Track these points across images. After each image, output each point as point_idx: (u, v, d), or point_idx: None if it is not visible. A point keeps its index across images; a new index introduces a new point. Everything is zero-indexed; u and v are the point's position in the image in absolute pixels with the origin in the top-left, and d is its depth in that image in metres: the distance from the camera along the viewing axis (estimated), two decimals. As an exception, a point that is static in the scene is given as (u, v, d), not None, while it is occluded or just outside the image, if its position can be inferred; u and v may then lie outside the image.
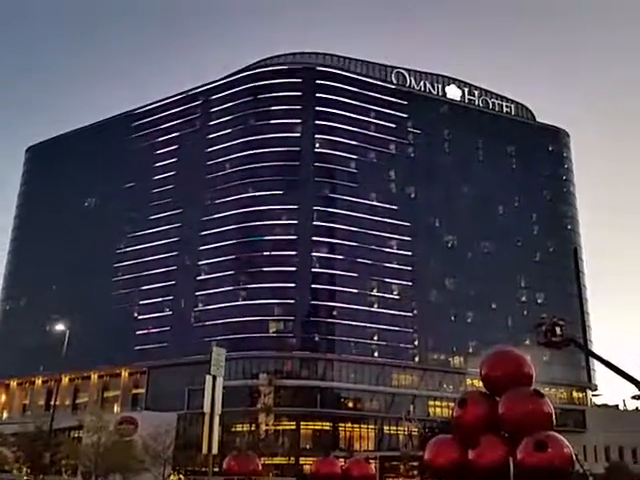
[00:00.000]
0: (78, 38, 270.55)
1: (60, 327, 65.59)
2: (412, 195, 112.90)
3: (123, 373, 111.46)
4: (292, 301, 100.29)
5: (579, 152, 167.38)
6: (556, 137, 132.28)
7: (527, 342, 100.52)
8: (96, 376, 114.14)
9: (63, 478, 73.76)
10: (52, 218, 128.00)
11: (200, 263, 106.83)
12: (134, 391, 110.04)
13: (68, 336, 51.56)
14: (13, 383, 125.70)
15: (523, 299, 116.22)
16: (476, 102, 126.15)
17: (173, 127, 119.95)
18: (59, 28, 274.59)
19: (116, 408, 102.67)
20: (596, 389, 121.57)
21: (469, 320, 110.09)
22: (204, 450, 20.06)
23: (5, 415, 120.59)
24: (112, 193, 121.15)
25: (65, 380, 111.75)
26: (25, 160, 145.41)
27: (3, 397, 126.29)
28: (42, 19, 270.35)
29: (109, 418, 62.24)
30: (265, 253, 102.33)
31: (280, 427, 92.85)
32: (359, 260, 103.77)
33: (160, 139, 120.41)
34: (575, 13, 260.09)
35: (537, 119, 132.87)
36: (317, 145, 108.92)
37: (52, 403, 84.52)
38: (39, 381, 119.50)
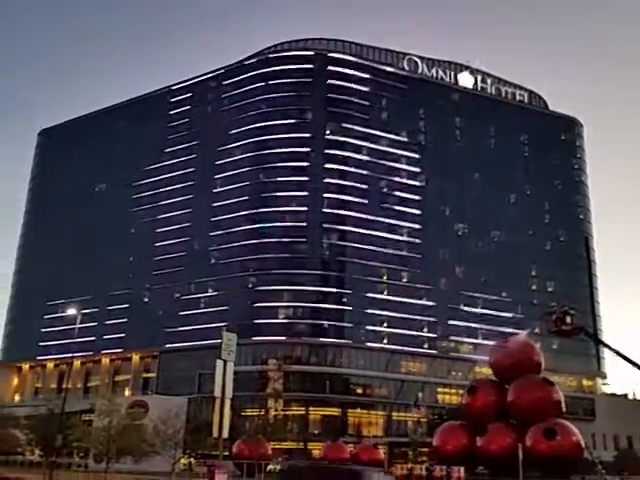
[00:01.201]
0: (89, 23, 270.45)
1: (72, 311, 66.17)
2: (423, 183, 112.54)
3: (134, 357, 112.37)
4: (302, 287, 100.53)
5: (592, 141, 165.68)
6: (569, 126, 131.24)
7: (537, 330, 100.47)
8: (107, 360, 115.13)
9: (75, 460, 74.65)
10: (64, 202, 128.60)
11: (210, 249, 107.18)
12: (145, 375, 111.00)
13: (80, 320, 51.88)
14: (25, 366, 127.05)
15: (534, 287, 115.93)
16: (489, 90, 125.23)
17: (185, 112, 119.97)
18: (72, 11, 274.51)
19: (127, 392, 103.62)
20: (605, 378, 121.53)
21: (479, 308, 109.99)
22: (215, 434, 20.19)
23: (17, 398, 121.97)
24: (123, 178, 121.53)
25: (77, 364, 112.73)
26: (37, 143, 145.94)
27: (15, 380, 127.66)
28: (56, 2, 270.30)
29: (120, 401, 62.55)
30: (275, 239, 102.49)
31: (289, 412, 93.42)
32: (369, 247, 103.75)
33: (172, 124, 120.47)
34: (590, 3, 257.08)
35: (550, 108, 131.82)
36: (327, 132, 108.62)
37: (64, 386, 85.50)
38: (51, 365, 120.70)
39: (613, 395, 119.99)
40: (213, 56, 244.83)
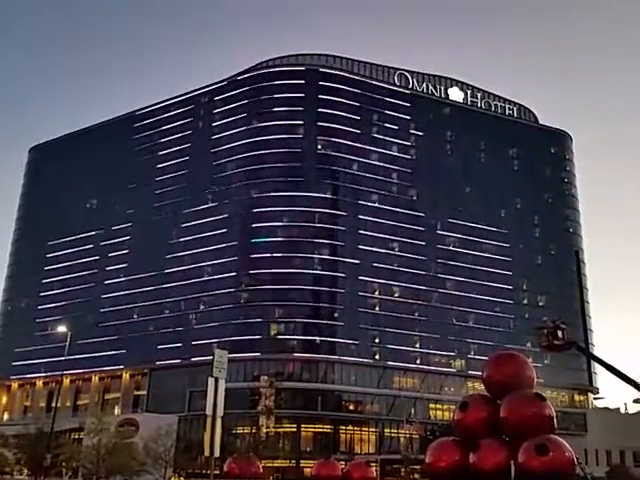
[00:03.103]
0: (81, 39, 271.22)
1: (62, 329, 65.63)
2: (414, 197, 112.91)
3: (124, 375, 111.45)
4: (293, 303, 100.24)
5: (581, 155, 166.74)
6: (558, 139, 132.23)
7: (529, 345, 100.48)
8: (97, 378, 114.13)
9: None
10: (54, 219, 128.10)
11: (202, 264, 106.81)
12: (135, 393, 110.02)
13: (70, 338, 51.47)
14: (14, 385, 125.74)
15: (525, 302, 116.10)
16: (479, 104, 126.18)
17: (176, 128, 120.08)
18: (62, 27, 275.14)
19: (117, 410, 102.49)
20: (597, 392, 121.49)
21: (470, 323, 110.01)
22: (206, 452, 19.98)
23: (6, 416, 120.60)
24: (114, 195, 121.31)
25: (66, 382, 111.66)
26: (28, 160, 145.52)
27: (4, 398, 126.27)
28: (44, 18, 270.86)
29: (110, 420, 62.07)
30: (267, 255, 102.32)
31: (281, 429, 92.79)
32: (360, 262, 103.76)
33: (163, 140, 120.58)
34: (578, 16, 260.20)
35: (540, 121, 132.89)
36: (319, 147, 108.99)
37: (53, 405, 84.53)
38: (40, 383, 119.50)
39: (605, 409, 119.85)
40: (202, 73, 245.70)
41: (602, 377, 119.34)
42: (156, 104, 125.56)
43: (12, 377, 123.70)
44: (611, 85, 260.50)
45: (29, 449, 59.55)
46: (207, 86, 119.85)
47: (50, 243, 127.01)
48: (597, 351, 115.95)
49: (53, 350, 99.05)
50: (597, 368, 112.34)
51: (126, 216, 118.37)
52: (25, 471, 67.61)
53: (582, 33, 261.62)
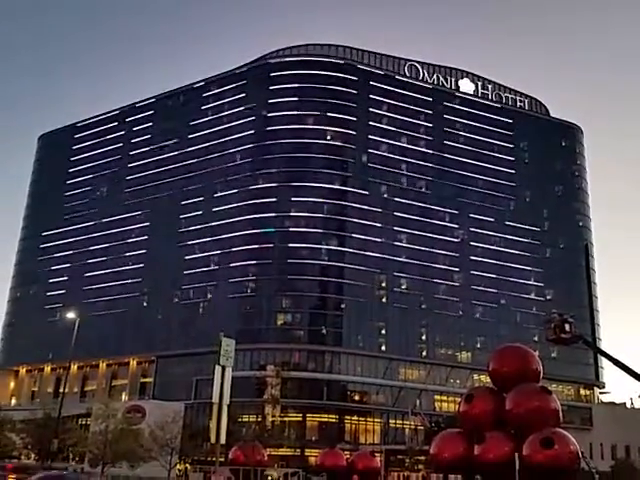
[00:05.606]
0: (90, 27, 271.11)
1: (70, 315, 65.93)
2: (422, 189, 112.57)
3: (131, 362, 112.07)
4: (300, 293, 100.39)
5: (592, 148, 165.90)
6: (569, 132, 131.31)
7: (535, 338, 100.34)
8: (105, 364, 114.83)
9: (70, 465, 74.35)
10: (62, 207, 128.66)
11: (209, 254, 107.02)
12: (142, 380, 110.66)
13: (78, 324, 51.74)
14: (22, 370, 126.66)
15: (532, 295, 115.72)
16: (489, 96, 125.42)
17: (184, 117, 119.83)
18: (71, 16, 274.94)
19: (124, 396, 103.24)
20: (604, 387, 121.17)
21: (477, 315, 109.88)
22: (212, 440, 20.14)
23: (14, 402, 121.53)
24: (121, 183, 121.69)
25: (74, 368, 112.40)
26: (37, 148, 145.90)
27: (12, 384, 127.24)
28: (55, 8, 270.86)
29: (117, 406, 62.50)
30: (274, 245, 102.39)
31: (286, 419, 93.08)
32: (368, 254, 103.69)
33: (171, 129, 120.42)
34: (590, 9, 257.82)
35: (551, 114, 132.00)
36: (328, 137, 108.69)
37: (61, 390, 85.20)
38: (48, 368, 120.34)
39: (611, 404, 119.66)
40: (210, 62, 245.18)
41: (608, 371, 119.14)
42: (164, 93, 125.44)
43: (20, 363, 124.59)
44: (624, 78, 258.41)
45: (36, 434, 60.08)
46: (215, 76, 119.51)
47: (59, 230, 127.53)
48: (604, 345, 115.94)
49: (61, 336, 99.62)
50: (604, 362, 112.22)
51: (134, 204, 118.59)
52: (32, 455, 68.26)
53: (595, 26, 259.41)
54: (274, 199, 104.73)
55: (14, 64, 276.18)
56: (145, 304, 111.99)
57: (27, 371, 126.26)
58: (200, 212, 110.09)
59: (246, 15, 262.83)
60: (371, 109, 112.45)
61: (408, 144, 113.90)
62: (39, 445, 59.03)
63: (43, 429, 57.70)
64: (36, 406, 77.66)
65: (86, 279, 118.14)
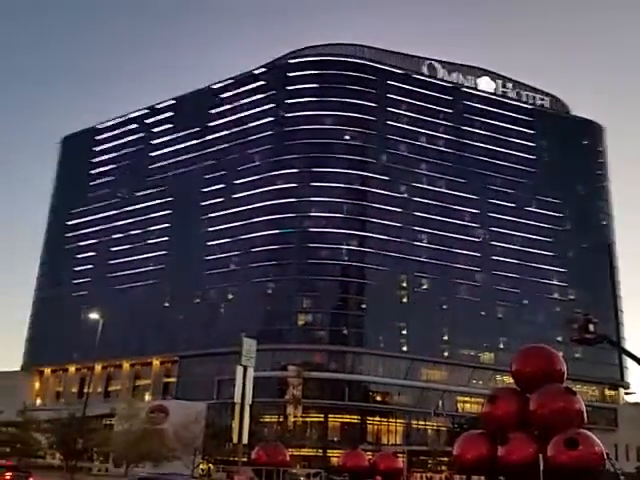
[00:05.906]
0: (109, 31, 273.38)
1: (94, 316, 66.59)
2: (442, 188, 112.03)
3: (154, 362, 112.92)
4: (321, 294, 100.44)
5: (614, 147, 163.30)
6: (591, 131, 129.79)
7: (559, 339, 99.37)
8: (128, 365, 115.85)
9: (95, 464, 75.14)
10: (86, 208, 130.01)
11: (230, 254, 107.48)
12: (165, 380, 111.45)
13: (101, 325, 52.29)
14: (47, 370, 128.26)
15: (555, 295, 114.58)
16: (509, 95, 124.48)
17: (204, 119, 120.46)
18: (92, 19, 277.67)
19: (147, 396, 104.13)
20: (629, 387, 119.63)
21: (500, 316, 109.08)
22: (235, 439, 20.28)
23: (39, 402, 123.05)
24: (142, 184, 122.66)
25: (98, 368, 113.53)
26: (60, 150, 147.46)
27: (37, 384, 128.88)
28: (75, 11, 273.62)
29: (140, 406, 63.10)
30: (294, 245, 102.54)
31: (308, 419, 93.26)
32: (388, 254, 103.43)
33: (190, 132, 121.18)
34: (610, 7, 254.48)
35: (572, 112, 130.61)
36: (347, 137, 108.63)
37: (85, 390, 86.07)
38: (72, 369, 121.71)
39: (636, 405, 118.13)
40: (226, 65, 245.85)
41: (634, 372, 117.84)
42: (184, 95, 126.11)
43: (45, 363, 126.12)
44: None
45: (61, 434, 60.75)
46: (233, 77, 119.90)
47: (82, 232, 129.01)
48: (628, 345, 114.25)
49: (85, 337, 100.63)
50: (628, 363, 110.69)
51: (156, 206, 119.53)
52: (57, 455, 69.07)
53: (616, 24, 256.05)
54: (294, 199, 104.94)
55: (31, 64, 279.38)
56: (167, 304, 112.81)
57: (52, 371, 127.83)
58: (220, 213, 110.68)
59: (264, 16, 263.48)
60: (390, 108, 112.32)
61: (427, 143, 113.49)
62: (64, 445, 59.67)
63: (68, 429, 58.32)
64: (61, 406, 78.56)
65: (109, 280, 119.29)
